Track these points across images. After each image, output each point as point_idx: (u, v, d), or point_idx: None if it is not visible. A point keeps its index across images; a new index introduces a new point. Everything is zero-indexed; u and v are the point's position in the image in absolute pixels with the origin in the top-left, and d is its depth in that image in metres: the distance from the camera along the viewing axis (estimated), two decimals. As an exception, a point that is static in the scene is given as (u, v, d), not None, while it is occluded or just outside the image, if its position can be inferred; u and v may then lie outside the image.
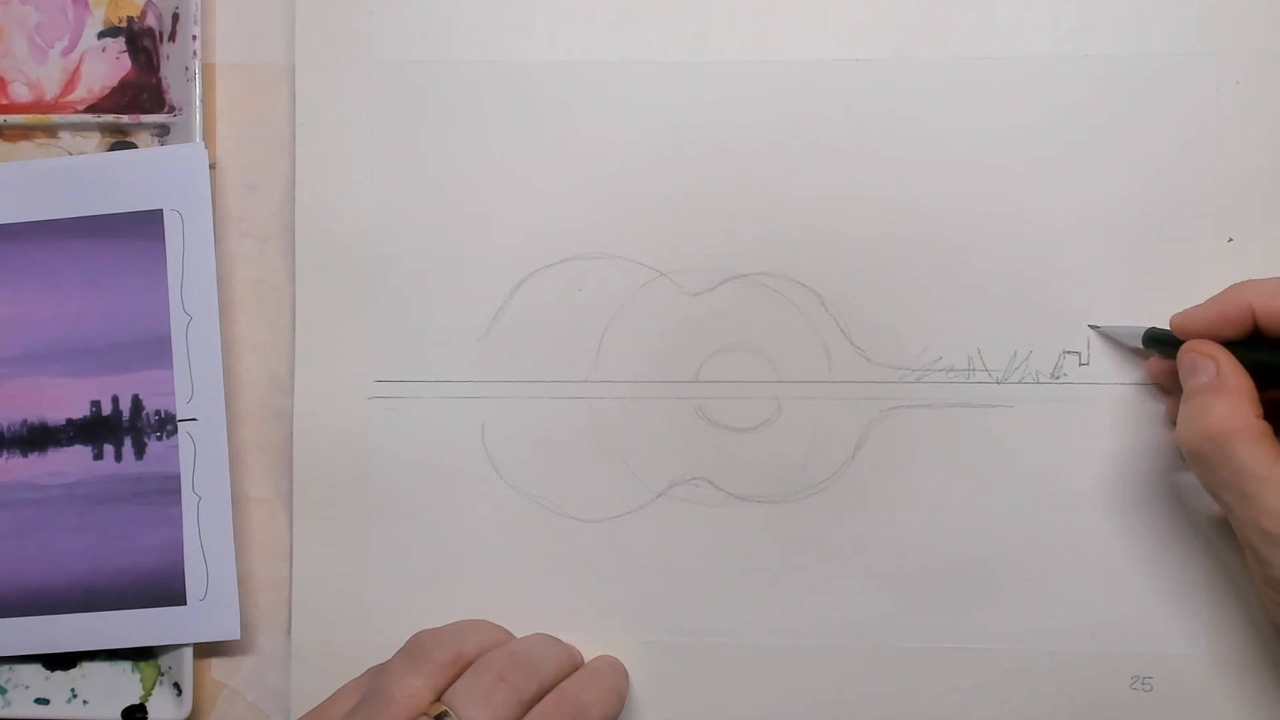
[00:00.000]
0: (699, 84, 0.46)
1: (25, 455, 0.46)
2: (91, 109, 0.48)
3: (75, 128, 0.48)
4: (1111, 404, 0.45)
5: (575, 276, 0.46)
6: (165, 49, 0.47)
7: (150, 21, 0.48)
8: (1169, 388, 0.44)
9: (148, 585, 0.46)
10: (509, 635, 0.44)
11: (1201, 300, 0.42)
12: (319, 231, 0.47)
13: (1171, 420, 0.44)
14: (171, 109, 0.47)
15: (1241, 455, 0.38)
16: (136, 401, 0.46)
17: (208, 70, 0.47)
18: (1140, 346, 0.44)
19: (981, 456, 0.45)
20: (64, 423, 0.46)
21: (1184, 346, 0.41)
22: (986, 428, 0.45)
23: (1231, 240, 0.45)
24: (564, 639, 0.45)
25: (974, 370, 0.45)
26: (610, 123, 0.46)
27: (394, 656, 0.41)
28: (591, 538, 0.46)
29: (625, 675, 0.45)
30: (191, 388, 0.46)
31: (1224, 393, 0.40)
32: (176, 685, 0.46)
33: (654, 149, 0.46)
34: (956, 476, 0.45)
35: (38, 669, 0.47)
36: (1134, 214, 0.45)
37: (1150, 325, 0.44)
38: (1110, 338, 0.45)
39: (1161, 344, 0.43)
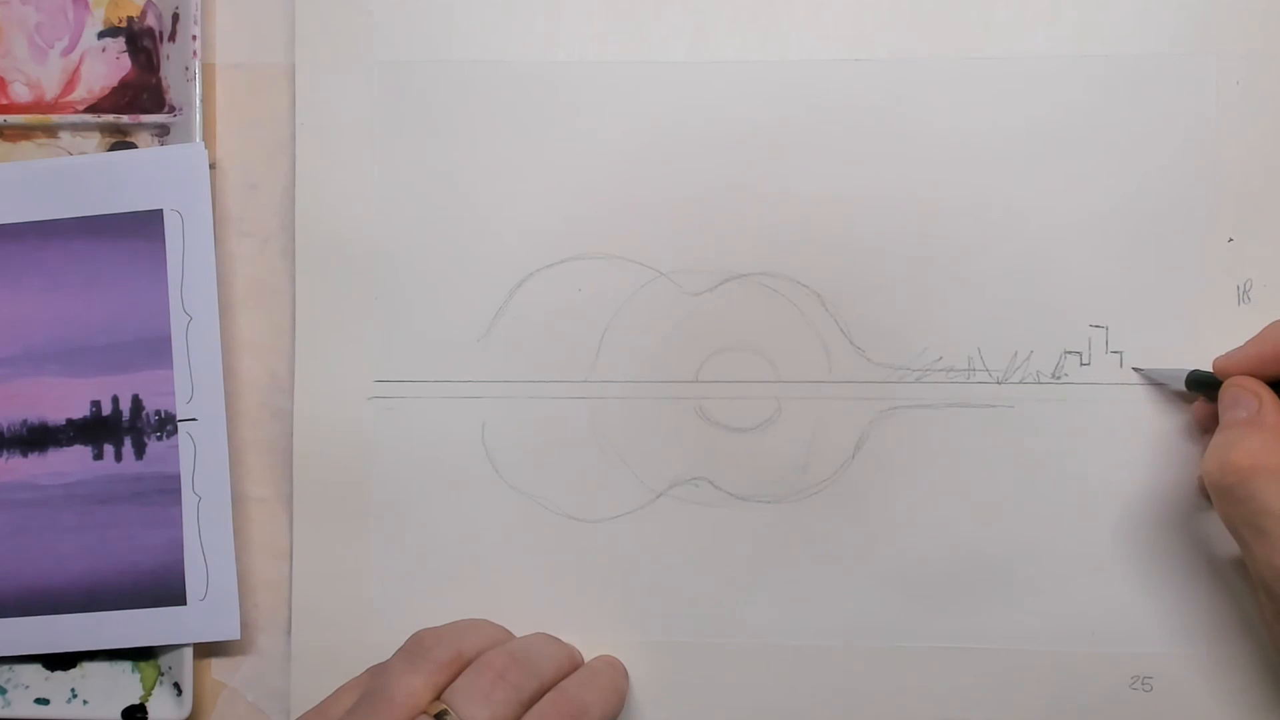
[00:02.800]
0: (699, 84, 0.46)
1: (25, 455, 0.46)
2: (91, 109, 0.48)
3: (75, 128, 0.48)
4: (1112, 404, 0.45)
5: (575, 276, 0.46)
6: (165, 49, 0.47)
7: (150, 21, 0.48)
8: (1211, 430, 0.43)
9: (148, 585, 0.46)
10: (509, 635, 0.44)
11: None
12: (319, 231, 0.47)
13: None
14: (171, 109, 0.47)
15: (1266, 493, 0.38)
16: (136, 401, 0.46)
17: (208, 70, 0.47)
18: (1183, 389, 0.43)
19: (981, 456, 0.45)
20: (64, 423, 0.46)
21: (1229, 381, 0.41)
22: (986, 428, 0.45)
23: (1231, 240, 0.45)
24: (564, 639, 0.45)
25: (974, 370, 0.45)
26: (610, 123, 0.46)
27: (394, 655, 0.41)
28: (591, 538, 0.46)
29: (625, 675, 0.45)
30: (191, 388, 0.46)
31: (1260, 429, 0.39)
32: (176, 685, 0.46)
33: (654, 149, 0.46)
34: (957, 476, 0.45)
35: (38, 669, 0.47)
36: (1134, 214, 0.45)
37: (1193, 368, 0.43)
38: (1152, 380, 0.44)
39: (1204, 386, 0.43)
